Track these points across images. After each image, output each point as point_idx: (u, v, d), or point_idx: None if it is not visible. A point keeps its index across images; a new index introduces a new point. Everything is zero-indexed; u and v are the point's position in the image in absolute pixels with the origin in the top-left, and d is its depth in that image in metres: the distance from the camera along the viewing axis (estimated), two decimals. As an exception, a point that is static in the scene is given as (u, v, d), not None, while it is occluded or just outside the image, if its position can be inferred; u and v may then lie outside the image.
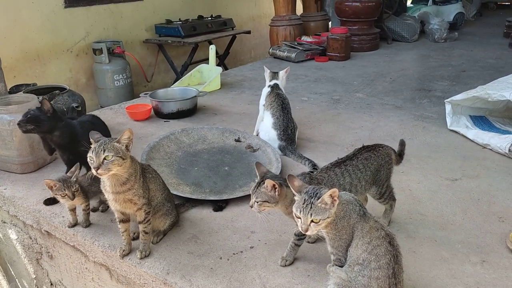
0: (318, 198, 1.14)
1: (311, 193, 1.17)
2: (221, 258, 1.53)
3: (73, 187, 1.59)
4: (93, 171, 1.29)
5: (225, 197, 1.87)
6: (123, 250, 1.54)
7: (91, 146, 1.33)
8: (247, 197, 1.88)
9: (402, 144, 1.67)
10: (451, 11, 5.98)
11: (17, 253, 2.10)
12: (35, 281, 2.09)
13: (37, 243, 1.96)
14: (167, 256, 1.54)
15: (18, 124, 1.76)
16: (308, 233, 1.18)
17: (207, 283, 1.41)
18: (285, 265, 1.48)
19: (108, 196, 1.43)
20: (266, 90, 2.43)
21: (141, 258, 1.52)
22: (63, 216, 1.79)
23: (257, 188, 1.35)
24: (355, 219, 1.21)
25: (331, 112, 3.01)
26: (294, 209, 1.19)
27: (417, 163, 2.18)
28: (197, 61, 5.77)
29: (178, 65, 5.68)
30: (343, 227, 1.21)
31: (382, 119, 2.82)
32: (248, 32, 6.47)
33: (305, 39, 5.07)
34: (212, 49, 3.71)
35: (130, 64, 5.11)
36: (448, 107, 2.59)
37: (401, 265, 1.18)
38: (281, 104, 2.29)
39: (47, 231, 1.83)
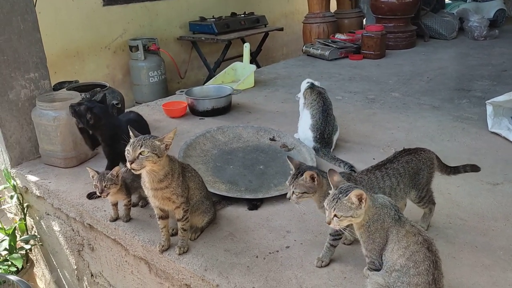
0: (346, 196, 1.17)
1: (342, 189, 1.20)
2: (257, 257, 1.54)
3: (104, 182, 1.64)
4: (128, 164, 1.33)
5: (260, 196, 1.89)
6: (162, 246, 1.58)
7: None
8: (282, 196, 1.89)
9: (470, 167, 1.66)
10: (491, 7, 5.77)
11: (60, 244, 2.19)
12: (76, 271, 2.18)
13: (79, 235, 2.04)
14: (205, 253, 1.57)
15: (75, 111, 1.84)
16: (330, 226, 1.22)
17: (244, 281, 1.43)
18: (321, 266, 1.48)
19: (148, 192, 1.47)
20: (304, 86, 2.41)
21: (179, 254, 1.56)
22: (104, 210, 1.86)
23: (295, 180, 1.38)
24: (389, 223, 1.21)
25: (366, 112, 2.97)
26: (325, 202, 1.23)
27: (456, 166, 2.13)
28: (230, 58, 5.81)
29: (210, 62, 5.74)
30: (376, 230, 1.22)
31: (419, 120, 2.77)
32: (281, 29, 6.46)
33: (339, 36, 5.01)
34: (246, 47, 3.73)
35: (164, 61, 5.20)
36: (489, 109, 2.51)
37: (441, 271, 1.16)
38: (322, 106, 2.27)
39: (89, 224, 1.90)
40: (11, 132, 2.21)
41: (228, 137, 2.37)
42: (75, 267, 2.17)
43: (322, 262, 1.48)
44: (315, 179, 1.36)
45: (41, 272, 2.50)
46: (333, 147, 2.31)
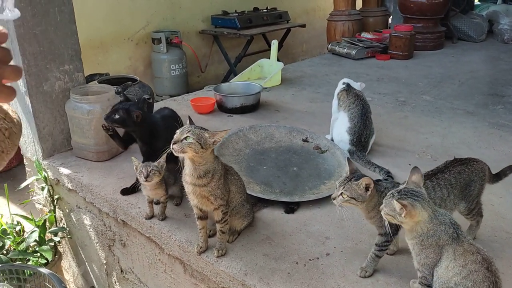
0: (357, 180, 1.30)
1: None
2: (297, 263, 1.51)
3: (150, 168, 1.63)
4: (171, 145, 1.33)
5: (296, 199, 1.85)
6: (200, 247, 1.56)
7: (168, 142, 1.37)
8: (317, 201, 1.86)
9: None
10: (522, 10, 5.63)
11: (90, 238, 2.18)
12: (105, 266, 2.17)
13: (111, 231, 2.03)
14: (243, 257, 1.54)
15: (104, 118, 1.79)
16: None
17: (285, 288, 1.40)
18: (365, 277, 1.44)
19: (187, 187, 1.44)
20: (339, 88, 2.36)
21: (218, 257, 1.53)
22: (139, 207, 1.84)
23: (348, 182, 1.33)
24: (446, 241, 1.16)
25: (398, 115, 2.91)
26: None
27: (496, 176, 2.07)
28: (251, 54, 5.77)
29: (231, 57, 5.70)
30: (430, 245, 1.18)
31: (453, 125, 2.70)
32: (303, 26, 6.39)
33: (365, 35, 4.93)
34: (274, 43, 3.68)
35: (186, 54, 5.18)
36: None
37: None
38: (361, 109, 2.21)
39: (122, 220, 1.89)
40: (44, 123, 2.20)
41: (261, 136, 2.33)
42: (105, 261, 2.16)
43: (366, 272, 1.45)
44: (370, 189, 1.31)
45: (67, 265, 2.50)
46: (368, 151, 2.26)
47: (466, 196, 1.46)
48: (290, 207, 1.82)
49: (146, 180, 1.62)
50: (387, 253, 1.53)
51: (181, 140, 1.31)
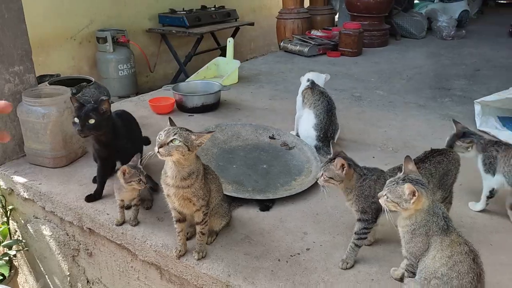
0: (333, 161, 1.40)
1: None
2: (279, 260, 1.51)
3: (144, 173, 1.57)
4: (156, 148, 1.26)
5: (270, 196, 1.85)
6: (179, 251, 1.51)
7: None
8: (291, 197, 1.87)
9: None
10: (457, 8, 6.01)
11: (50, 249, 2.05)
12: (68, 278, 2.04)
13: (75, 240, 1.91)
14: (224, 258, 1.51)
15: (79, 130, 1.65)
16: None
17: (271, 286, 1.39)
18: (346, 268, 1.47)
19: (168, 190, 1.38)
20: (303, 85, 2.38)
21: (198, 259, 1.49)
22: (107, 214, 1.75)
23: (328, 164, 1.43)
24: (435, 232, 1.19)
25: (355, 110, 2.99)
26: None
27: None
28: (200, 52, 5.70)
29: (180, 56, 5.59)
30: (420, 234, 1.21)
31: (408, 118, 2.83)
32: (252, 24, 6.41)
33: (315, 33, 5.03)
34: (230, 41, 3.66)
35: (134, 54, 5.01)
36: (477, 108, 2.60)
37: (483, 284, 1.15)
38: (326, 106, 2.25)
39: (89, 228, 1.79)
40: (-8, 129, 2.03)
41: (227, 135, 2.30)
42: (68, 273, 2.03)
43: (347, 263, 1.47)
44: (344, 168, 1.39)
45: (24, 279, 2.33)
46: (333, 146, 2.30)
47: (443, 185, 1.53)
48: (265, 205, 1.82)
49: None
50: (365, 244, 1.56)
51: (168, 143, 1.25)
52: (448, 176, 1.53)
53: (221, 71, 3.68)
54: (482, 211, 1.79)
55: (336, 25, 5.89)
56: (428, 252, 1.20)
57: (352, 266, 1.48)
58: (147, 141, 2.13)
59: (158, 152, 1.25)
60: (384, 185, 1.27)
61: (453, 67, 4.14)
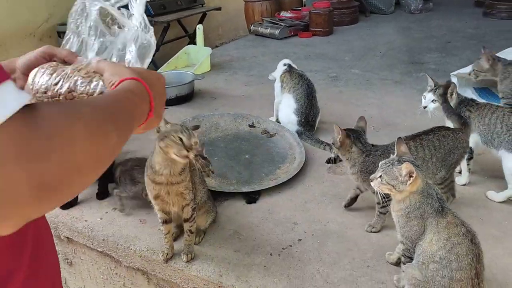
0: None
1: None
2: (271, 254, 1.45)
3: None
4: (187, 153, 1.17)
5: (256, 188, 1.79)
6: (167, 254, 1.43)
7: None
8: (277, 187, 1.81)
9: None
10: (422, -19, 6.00)
11: (27, 262, 1.93)
12: (50, 290, 1.93)
13: (53, 251, 1.80)
14: (214, 257, 1.45)
15: None
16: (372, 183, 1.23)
17: (265, 282, 1.34)
18: (371, 232, 1.52)
19: (162, 188, 1.30)
20: (280, 70, 2.30)
21: (187, 261, 1.42)
22: (85, 220, 1.65)
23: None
24: (430, 214, 1.16)
25: (333, 90, 2.95)
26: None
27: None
28: (168, 41, 5.52)
29: (149, 46, 5.39)
30: (415, 217, 1.18)
31: (386, 95, 2.80)
32: (219, 9, 6.24)
33: (285, 14, 4.94)
34: (199, 28, 3.54)
35: (100, 47, 4.79)
36: (454, 80, 2.58)
37: (483, 264, 1.13)
38: (306, 89, 2.19)
39: (67, 237, 1.68)
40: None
41: (205, 126, 2.21)
42: (49, 285, 1.92)
43: (374, 228, 1.51)
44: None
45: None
46: (314, 130, 2.25)
47: (446, 164, 1.50)
48: (251, 197, 1.75)
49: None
50: (373, 231, 1.53)
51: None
52: (454, 154, 1.50)
53: (192, 60, 3.55)
54: (469, 187, 1.78)
55: (305, 5, 5.80)
56: (424, 235, 1.17)
57: (378, 231, 1.51)
58: None
59: (192, 158, 1.18)
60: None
61: (424, 40, 4.15)
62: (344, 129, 1.50)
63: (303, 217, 1.64)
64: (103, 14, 0.89)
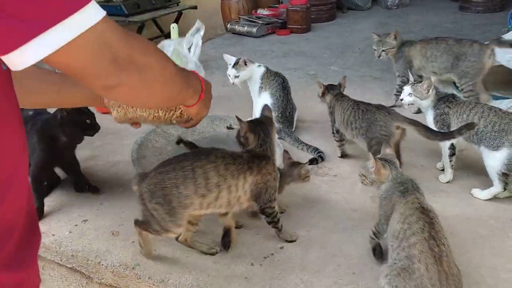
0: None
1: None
2: (252, 264, 1.38)
3: None
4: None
5: (235, 193, 1.70)
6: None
7: None
8: (257, 190, 1.73)
9: None
10: (398, -24, 6.00)
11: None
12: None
13: (20, 268, 1.69)
14: (192, 269, 1.37)
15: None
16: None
17: (247, 295, 1.26)
18: None
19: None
20: (260, 71, 2.23)
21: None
22: (53, 234, 1.54)
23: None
24: (397, 196, 1.26)
25: (312, 88, 2.85)
26: None
27: (417, 136, 2.12)
28: (144, 41, 5.38)
29: (124, 47, 5.25)
30: (385, 199, 1.30)
31: (366, 92, 2.75)
32: (195, 7, 6.13)
33: (262, 12, 4.86)
34: (174, 28, 3.44)
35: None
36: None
37: (439, 231, 1.14)
38: (281, 83, 2.14)
39: (34, 254, 1.57)
40: None
41: (181, 129, 2.10)
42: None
43: None
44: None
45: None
46: (294, 127, 2.19)
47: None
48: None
49: None
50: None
51: None
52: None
53: (167, 60, 3.44)
54: (453, 182, 1.75)
55: (282, 2, 5.73)
56: (392, 216, 1.24)
57: None
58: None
59: None
60: None
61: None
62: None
63: (285, 223, 1.55)
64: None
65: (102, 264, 1.41)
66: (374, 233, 1.34)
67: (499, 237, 1.43)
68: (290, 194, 1.72)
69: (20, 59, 0.60)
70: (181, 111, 1.20)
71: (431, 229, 1.12)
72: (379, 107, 1.77)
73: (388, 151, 1.44)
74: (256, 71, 2.23)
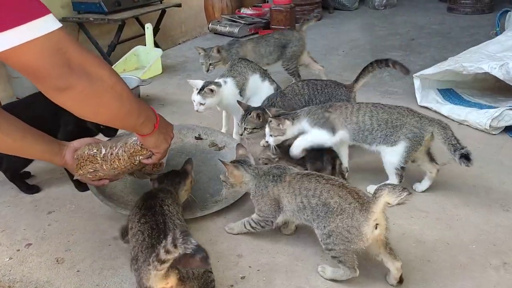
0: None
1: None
2: (209, 298, 1.24)
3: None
4: None
5: (198, 214, 1.56)
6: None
7: None
8: (223, 210, 1.59)
9: None
10: (386, -24, 5.89)
11: None
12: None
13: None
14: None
15: None
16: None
17: (198, 337, 1.12)
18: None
19: None
20: (229, 85, 2.06)
21: None
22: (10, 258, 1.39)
23: (245, 118, 1.79)
24: (273, 186, 1.34)
25: (292, 94, 2.74)
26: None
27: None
28: (125, 40, 5.21)
29: (103, 46, 5.06)
30: (261, 195, 1.36)
31: (347, 98, 2.62)
32: (179, 5, 5.95)
33: (245, 11, 4.72)
34: (148, 28, 3.29)
35: (49, 48, 4.44)
36: (417, 82, 2.44)
37: (331, 180, 1.27)
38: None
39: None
40: None
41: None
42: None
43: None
44: (260, 116, 1.77)
45: None
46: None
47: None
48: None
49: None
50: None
51: None
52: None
53: (142, 62, 3.30)
54: (433, 202, 1.62)
55: (267, 1, 5.60)
56: (282, 205, 1.33)
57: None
58: None
59: None
60: None
61: (388, 37, 4.00)
62: (248, 107, 1.85)
63: (249, 247, 1.43)
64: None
65: (38, 297, 1.26)
66: (262, 226, 1.40)
67: (480, 265, 1.30)
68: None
69: None
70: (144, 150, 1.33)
71: (325, 184, 1.25)
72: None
73: (240, 152, 1.50)
74: (226, 89, 2.03)
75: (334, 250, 1.20)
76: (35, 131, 1.29)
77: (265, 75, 2.16)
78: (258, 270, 1.33)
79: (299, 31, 2.76)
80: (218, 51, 2.53)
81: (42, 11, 0.83)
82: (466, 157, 1.50)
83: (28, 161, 1.75)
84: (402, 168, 1.59)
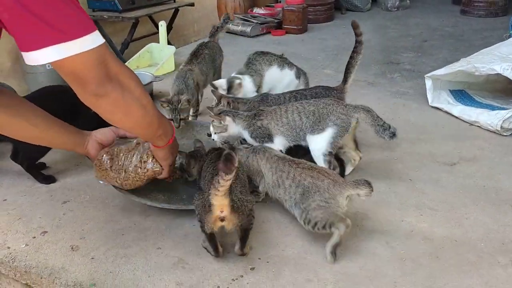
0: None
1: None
2: (219, 287, 1.26)
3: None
4: None
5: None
6: None
7: None
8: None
9: None
10: (399, -22, 5.88)
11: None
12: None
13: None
14: (154, 291, 1.25)
15: None
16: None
17: (208, 324, 1.15)
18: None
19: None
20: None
21: None
22: (8, 247, 1.43)
23: (216, 106, 1.90)
24: (253, 162, 1.54)
25: (303, 92, 2.76)
26: None
27: (409, 148, 2.02)
28: (138, 38, 5.26)
29: (116, 43, 5.13)
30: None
31: (358, 98, 2.62)
32: (192, 5, 6.00)
33: (258, 11, 4.74)
34: (162, 25, 3.33)
35: (63, 44, 4.51)
36: (428, 83, 2.44)
37: (301, 163, 1.44)
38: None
39: (-13, 268, 1.46)
40: None
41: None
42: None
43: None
44: (230, 103, 1.85)
45: None
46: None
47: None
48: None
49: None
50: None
51: None
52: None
53: (155, 59, 3.34)
54: (443, 202, 1.63)
55: (280, 1, 5.62)
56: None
57: None
58: None
59: None
60: None
61: (400, 39, 4.00)
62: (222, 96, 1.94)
63: (259, 240, 1.45)
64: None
65: (56, 283, 1.30)
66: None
67: (488, 263, 1.31)
68: (268, 208, 1.61)
69: (37, 57, 0.86)
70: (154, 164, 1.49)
71: (298, 163, 1.44)
72: None
73: (198, 144, 1.63)
74: (244, 87, 2.14)
75: (318, 221, 1.31)
76: (59, 121, 1.39)
77: (283, 62, 2.25)
78: (267, 262, 1.35)
79: (217, 44, 2.83)
80: (188, 102, 2.18)
81: (94, 26, 0.96)
82: (394, 135, 1.61)
83: (44, 152, 1.80)
84: (330, 153, 1.63)
